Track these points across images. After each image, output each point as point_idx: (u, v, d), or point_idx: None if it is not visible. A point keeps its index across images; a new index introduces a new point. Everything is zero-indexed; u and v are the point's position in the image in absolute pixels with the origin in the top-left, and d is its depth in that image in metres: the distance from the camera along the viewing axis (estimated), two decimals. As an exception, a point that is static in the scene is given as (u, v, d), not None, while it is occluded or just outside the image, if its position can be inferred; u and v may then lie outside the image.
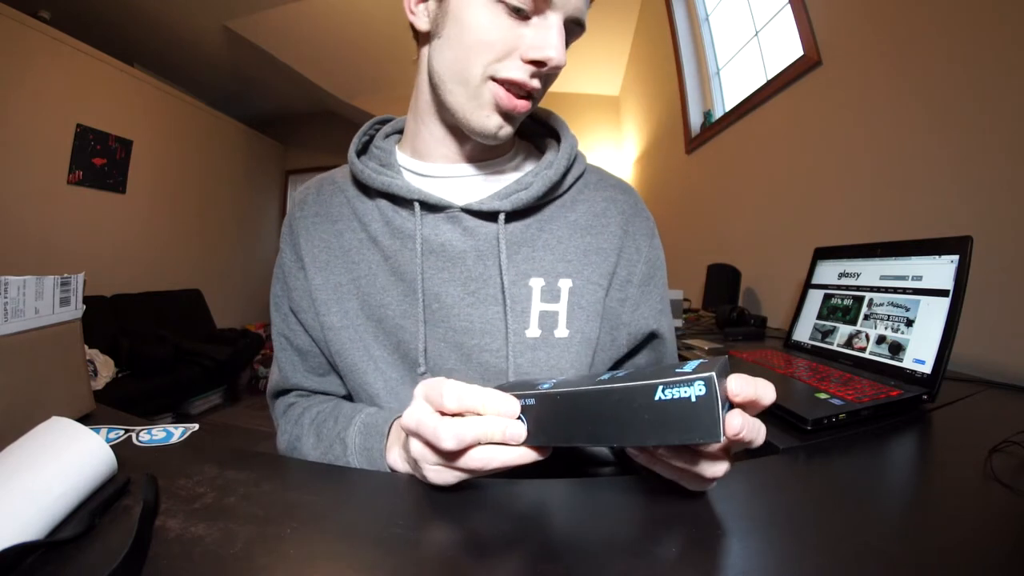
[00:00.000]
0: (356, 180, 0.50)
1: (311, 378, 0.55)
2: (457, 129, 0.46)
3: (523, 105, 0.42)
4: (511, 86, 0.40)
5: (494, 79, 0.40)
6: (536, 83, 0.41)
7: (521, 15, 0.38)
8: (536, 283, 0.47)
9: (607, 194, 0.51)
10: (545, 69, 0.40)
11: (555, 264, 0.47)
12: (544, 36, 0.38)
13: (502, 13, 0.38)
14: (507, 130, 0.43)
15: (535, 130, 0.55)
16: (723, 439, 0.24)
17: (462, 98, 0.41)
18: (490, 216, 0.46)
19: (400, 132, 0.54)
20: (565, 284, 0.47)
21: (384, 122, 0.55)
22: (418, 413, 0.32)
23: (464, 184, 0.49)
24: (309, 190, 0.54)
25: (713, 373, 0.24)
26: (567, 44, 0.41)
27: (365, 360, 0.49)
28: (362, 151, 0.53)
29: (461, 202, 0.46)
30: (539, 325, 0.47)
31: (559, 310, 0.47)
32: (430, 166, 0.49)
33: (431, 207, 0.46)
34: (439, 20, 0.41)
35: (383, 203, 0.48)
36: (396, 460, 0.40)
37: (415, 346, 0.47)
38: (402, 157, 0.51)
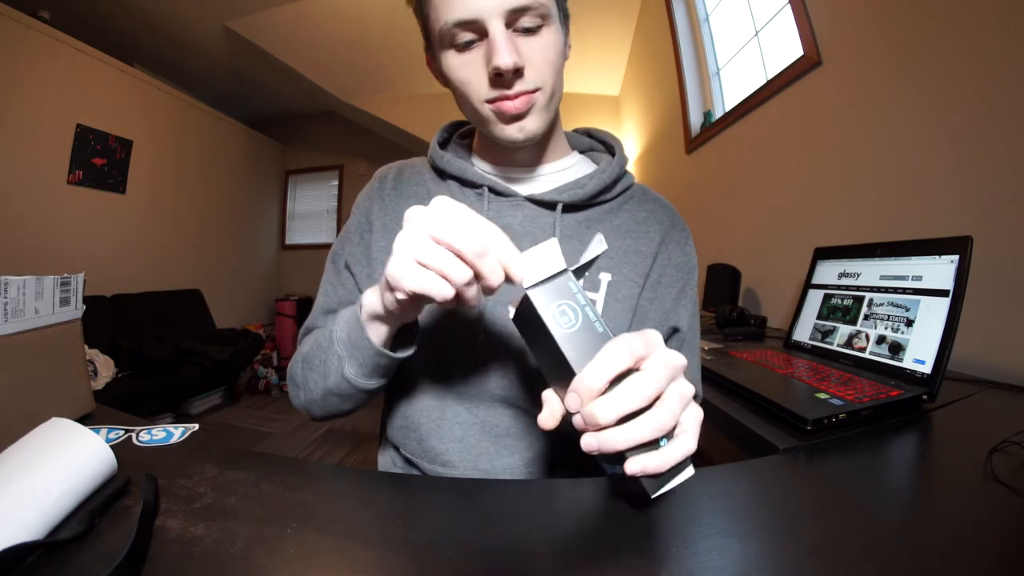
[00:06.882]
0: (434, 167, 0.57)
1: None
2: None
3: (521, 103, 0.45)
4: (502, 100, 0.45)
5: (488, 102, 0.46)
6: (516, 88, 0.44)
7: (471, 46, 0.44)
8: None
9: (649, 207, 0.57)
10: (507, 75, 0.43)
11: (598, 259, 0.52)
12: (488, 51, 0.42)
13: (457, 54, 0.44)
14: (528, 131, 0.47)
15: (594, 146, 0.62)
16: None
17: (480, 124, 0.49)
18: (549, 206, 0.52)
19: (472, 135, 0.62)
20: (605, 277, 0.52)
21: (459, 125, 0.63)
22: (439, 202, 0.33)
23: (528, 181, 0.56)
24: (391, 170, 0.60)
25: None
26: (536, 27, 0.44)
27: None
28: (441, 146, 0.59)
29: (525, 193, 0.53)
30: None
31: (597, 299, 0.52)
32: (497, 166, 0.56)
33: (498, 193, 0.53)
34: (444, 78, 0.49)
35: (454, 186, 0.55)
36: (369, 295, 0.40)
37: (465, 314, 0.51)
38: (475, 156, 0.59)
